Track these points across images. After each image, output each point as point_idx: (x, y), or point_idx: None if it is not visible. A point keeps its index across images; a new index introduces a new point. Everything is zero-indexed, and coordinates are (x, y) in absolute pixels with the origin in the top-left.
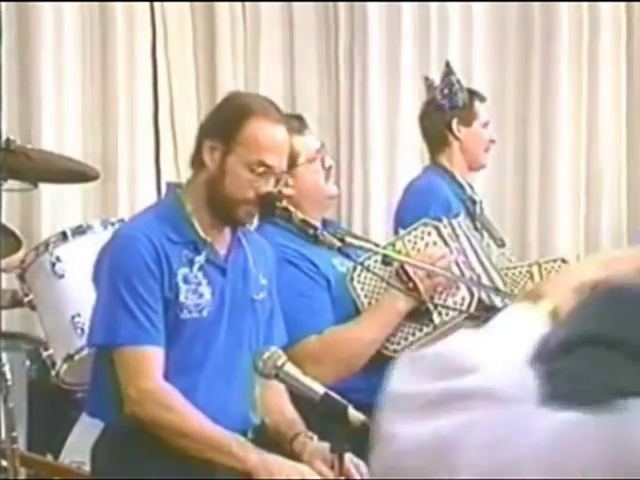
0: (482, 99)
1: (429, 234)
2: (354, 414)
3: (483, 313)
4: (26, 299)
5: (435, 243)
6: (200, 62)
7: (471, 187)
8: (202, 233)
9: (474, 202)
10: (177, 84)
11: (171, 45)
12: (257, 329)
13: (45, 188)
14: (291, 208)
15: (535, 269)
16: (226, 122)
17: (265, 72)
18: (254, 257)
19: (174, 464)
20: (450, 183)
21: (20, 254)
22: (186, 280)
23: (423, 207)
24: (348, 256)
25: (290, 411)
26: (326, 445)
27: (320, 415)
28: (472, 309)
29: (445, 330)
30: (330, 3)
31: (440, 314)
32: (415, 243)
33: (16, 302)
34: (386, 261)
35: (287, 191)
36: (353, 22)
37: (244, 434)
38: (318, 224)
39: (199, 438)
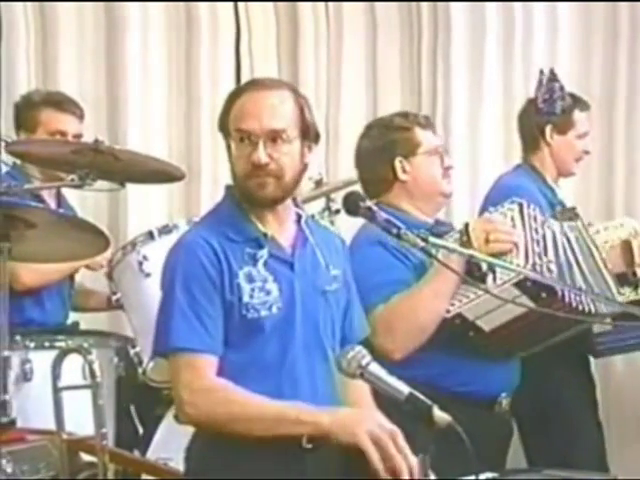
0: (585, 107)
1: (511, 210)
2: (439, 414)
3: (535, 288)
4: (114, 297)
5: (513, 219)
6: (283, 62)
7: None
8: (262, 227)
9: (564, 207)
10: None
11: (255, 45)
12: (332, 320)
13: (132, 188)
14: (374, 208)
15: None
16: (221, 113)
17: (348, 72)
18: (322, 249)
19: (265, 464)
20: (540, 186)
21: (108, 253)
22: (250, 279)
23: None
24: (431, 255)
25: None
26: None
27: (405, 415)
28: (522, 276)
29: (496, 293)
30: (413, 3)
31: (495, 279)
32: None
33: (111, 306)
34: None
35: (403, 177)
36: (436, 22)
37: None
38: (431, 220)
39: (263, 417)
